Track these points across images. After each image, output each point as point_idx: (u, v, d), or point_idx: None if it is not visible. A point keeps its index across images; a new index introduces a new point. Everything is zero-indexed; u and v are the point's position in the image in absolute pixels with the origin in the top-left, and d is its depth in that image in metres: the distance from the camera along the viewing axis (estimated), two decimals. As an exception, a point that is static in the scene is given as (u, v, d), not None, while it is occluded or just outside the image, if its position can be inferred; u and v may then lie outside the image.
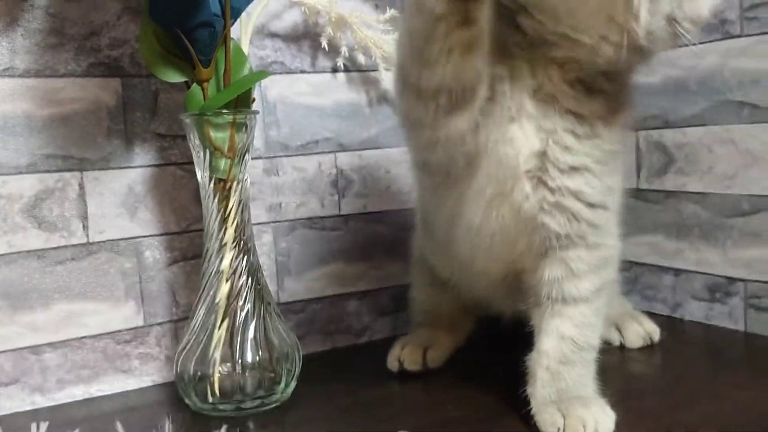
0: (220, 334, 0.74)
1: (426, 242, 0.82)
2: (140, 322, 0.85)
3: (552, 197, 0.63)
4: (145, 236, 0.85)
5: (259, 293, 0.76)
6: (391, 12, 0.92)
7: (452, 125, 0.59)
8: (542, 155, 0.62)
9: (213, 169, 0.74)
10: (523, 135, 0.62)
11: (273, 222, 0.92)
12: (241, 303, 0.75)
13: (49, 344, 0.80)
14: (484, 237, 0.67)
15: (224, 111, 0.72)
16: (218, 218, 0.75)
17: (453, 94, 0.57)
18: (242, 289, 0.75)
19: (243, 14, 0.76)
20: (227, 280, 0.75)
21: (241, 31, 0.80)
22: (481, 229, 0.66)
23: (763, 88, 0.86)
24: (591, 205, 0.64)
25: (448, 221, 0.69)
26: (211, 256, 0.75)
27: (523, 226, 0.65)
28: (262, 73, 0.74)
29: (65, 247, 0.81)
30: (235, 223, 0.75)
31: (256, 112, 0.76)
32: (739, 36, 0.88)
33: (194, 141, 0.74)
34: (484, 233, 0.67)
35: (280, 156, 0.92)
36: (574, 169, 0.63)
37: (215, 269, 0.75)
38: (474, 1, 0.53)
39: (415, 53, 0.57)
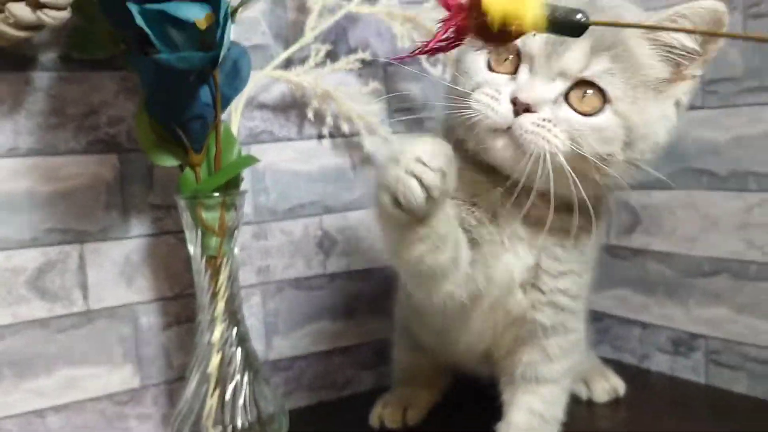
0: (212, 402, 0.79)
1: (410, 314, 0.88)
2: (137, 384, 0.90)
3: (544, 298, 0.70)
4: (141, 303, 0.90)
5: (248, 362, 0.81)
6: (373, 84, 0.97)
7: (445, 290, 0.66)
8: (535, 267, 0.69)
9: (204, 246, 0.80)
10: (516, 257, 0.68)
11: (261, 284, 0.97)
12: (231, 372, 0.80)
13: (53, 408, 0.85)
14: (473, 332, 0.73)
15: (215, 194, 0.78)
16: (209, 293, 0.80)
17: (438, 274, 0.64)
18: (232, 359, 0.80)
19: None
20: (218, 351, 0.80)
21: (232, 108, 0.86)
22: (471, 327, 0.73)
23: (721, 158, 0.92)
24: (574, 297, 0.71)
25: (439, 318, 0.75)
26: (203, 328, 0.80)
27: (512, 323, 0.72)
28: (250, 159, 0.80)
29: (66, 315, 0.86)
30: (226, 297, 0.80)
31: (244, 192, 0.81)
32: (700, 107, 0.94)
33: (187, 220, 0.79)
34: (474, 330, 0.73)
35: (269, 221, 0.97)
36: (562, 273, 0.69)
37: (207, 340, 0.80)
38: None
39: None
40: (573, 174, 0.60)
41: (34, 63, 0.83)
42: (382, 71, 1.02)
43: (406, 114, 1.04)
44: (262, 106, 0.96)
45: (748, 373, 0.92)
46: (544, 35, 0.58)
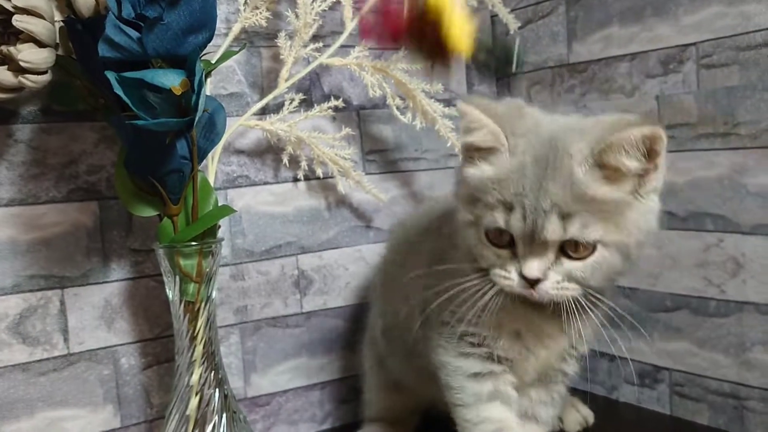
0: (191, 444, 0.81)
1: (393, 357, 0.92)
2: (117, 424, 0.92)
3: (575, 353, 0.84)
4: (121, 344, 0.92)
5: (226, 403, 0.84)
6: (346, 130, 1.00)
7: None
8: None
9: (183, 292, 0.82)
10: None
11: (240, 323, 1.00)
12: (209, 414, 0.83)
13: (34, 450, 0.88)
14: None
15: (192, 243, 0.81)
16: (188, 337, 0.83)
17: None
18: (210, 400, 0.83)
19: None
20: (197, 393, 0.83)
21: (208, 156, 0.88)
22: None
23: (679, 199, 0.96)
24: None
25: None
26: (182, 371, 0.83)
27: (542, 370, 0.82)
28: (227, 209, 0.82)
29: (48, 359, 0.88)
30: (204, 340, 0.83)
31: (221, 240, 0.84)
32: (659, 151, 0.97)
33: (165, 267, 0.82)
34: None
35: (246, 262, 1.00)
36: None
37: (186, 383, 0.83)
38: None
39: None
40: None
41: (16, 116, 0.86)
42: (355, 116, 1.06)
43: (380, 156, 1.08)
44: (239, 152, 0.99)
45: (710, 404, 0.96)
46: (520, 213, 0.66)
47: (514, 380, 0.80)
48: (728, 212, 0.91)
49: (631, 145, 0.64)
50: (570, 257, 0.67)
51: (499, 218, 0.67)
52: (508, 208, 0.66)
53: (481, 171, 0.69)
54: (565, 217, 0.65)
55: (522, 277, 0.68)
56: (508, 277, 0.68)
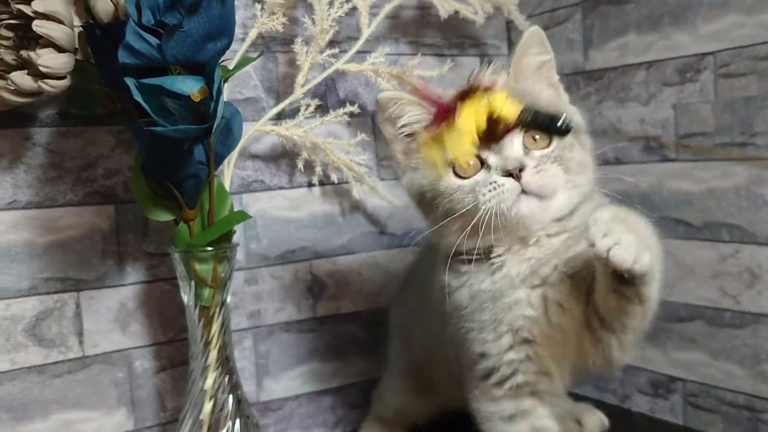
0: (204, 449, 0.82)
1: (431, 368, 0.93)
2: (131, 427, 0.93)
3: None
4: (135, 347, 0.93)
5: (239, 408, 0.84)
6: (361, 136, 1.00)
7: None
8: None
9: (197, 297, 0.82)
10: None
11: (253, 328, 1.00)
12: (223, 418, 0.83)
13: (48, 452, 0.88)
14: None
15: (208, 248, 0.81)
16: (202, 341, 0.83)
17: None
18: (224, 405, 0.83)
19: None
20: (211, 398, 0.83)
21: (224, 161, 0.89)
22: None
23: (695, 209, 0.95)
24: None
25: None
26: (196, 375, 0.83)
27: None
28: (243, 215, 0.83)
29: (63, 362, 0.89)
30: (218, 345, 0.83)
31: (236, 245, 0.84)
32: (675, 160, 0.97)
33: (181, 272, 0.82)
34: None
35: (260, 267, 1.00)
36: None
37: (200, 387, 0.83)
38: None
39: None
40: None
41: (34, 119, 0.86)
42: (370, 122, 1.06)
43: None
44: (254, 157, 0.99)
45: (723, 416, 0.95)
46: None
47: (548, 412, 0.79)
48: (744, 222, 0.90)
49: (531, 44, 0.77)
50: (536, 149, 0.72)
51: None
52: None
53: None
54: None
55: (509, 174, 0.69)
56: (496, 186, 0.70)
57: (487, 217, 0.70)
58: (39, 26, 0.69)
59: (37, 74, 0.70)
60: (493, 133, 0.68)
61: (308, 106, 0.96)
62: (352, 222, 1.06)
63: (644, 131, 1.01)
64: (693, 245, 0.96)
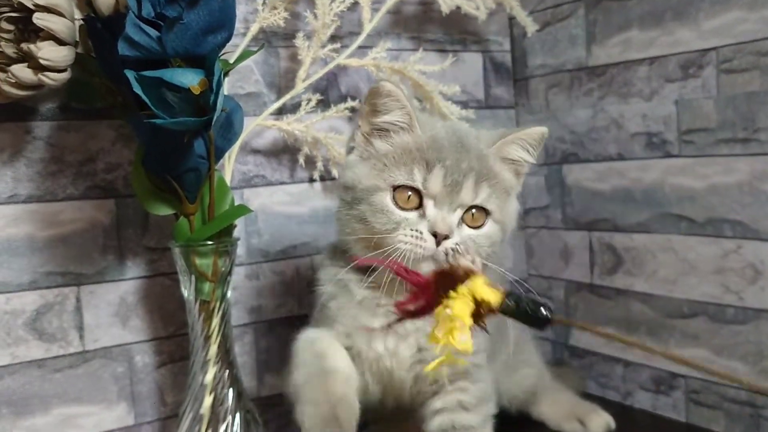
0: (204, 443, 0.82)
1: None
2: (131, 422, 0.92)
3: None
4: (135, 342, 0.93)
5: (240, 402, 0.84)
6: (362, 131, 1.00)
7: None
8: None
9: (198, 291, 0.82)
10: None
11: (254, 323, 1.00)
12: (223, 413, 0.83)
13: (48, 446, 0.88)
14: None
15: (208, 242, 0.81)
16: (203, 335, 0.83)
17: None
18: (224, 399, 0.83)
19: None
20: (211, 392, 0.83)
21: (225, 155, 0.89)
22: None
23: (698, 205, 0.95)
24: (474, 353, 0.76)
25: None
26: (196, 369, 0.83)
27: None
28: (243, 209, 0.83)
29: (63, 356, 0.89)
30: (218, 339, 0.83)
31: (237, 239, 0.84)
32: (677, 156, 0.97)
33: (181, 266, 0.82)
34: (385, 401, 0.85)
35: (261, 262, 1.00)
36: None
37: (200, 382, 0.83)
38: None
39: None
40: None
41: (34, 113, 0.86)
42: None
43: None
44: (255, 152, 0.99)
45: (726, 412, 0.95)
46: (444, 175, 0.73)
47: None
48: (747, 218, 0.90)
49: (529, 142, 0.78)
50: (467, 225, 0.75)
51: (417, 177, 0.73)
52: (428, 168, 0.73)
53: (396, 141, 0.76)
54: (477, 182, 0.74)
55: (433, 235, 0.72)
56: (419, 237, 0.72)
57: (393, 252, 0.72)
58: (39, 19, 0.69)
59: (38, 67, 0.70)
60: (478, 314, 0.68)
61: (309, 100, 0.96)
62: (354, 218, 1.06)
63: (646, 127, 1.01)
64: (695, 241, 0.96)
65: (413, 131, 0.76)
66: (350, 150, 0.80)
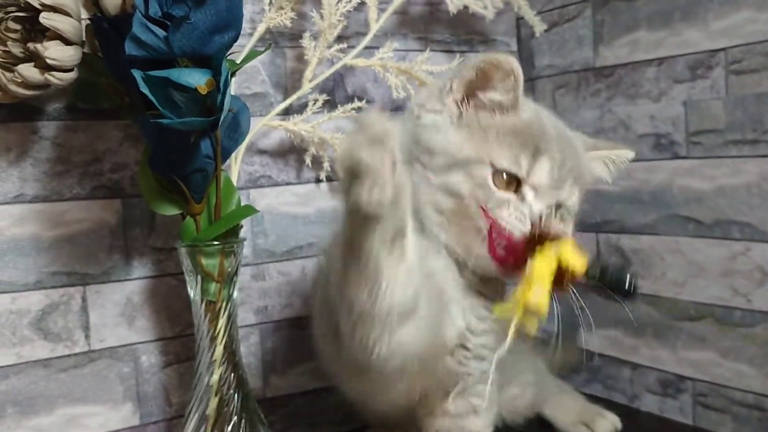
0: (210, 445, 0.81)
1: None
2: (136, 422, 0.92)
3: (470, 354, 0.78)
4: (141, 342, 0.93)
5: (246, 404, 0.84)
6: (369, 131, 1.00)
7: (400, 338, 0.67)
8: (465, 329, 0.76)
9: (204, 291, 0.82)
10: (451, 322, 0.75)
11: (260, 324, 1.00)
12: (229, 414, 0.83)
13: (54, 446, 0.88)
14: (398, 394, 0.80)
15: (214, 242, 0.80)
16: (209, 336, 0.83)
17: None
18: (230, 401, 0.83)
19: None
20: (217, 394, 0.83)
21: (231, 156, 0.88)
22: (396, 390, 0.79)
23: (705, 206, 0.94)
24: (492, 350, 0.77)
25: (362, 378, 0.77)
26: (202, 370, 0.83)
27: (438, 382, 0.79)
28: (250, 209, 0.82)
29: (69, 356, 0.88)
30: (224, 340, 0.83)
31: (243, 240, 0.84)
32: (685, 158, 0.96)
33: (187, 266, 0.82)
34: (399, 392, 0.79)
35: (267, 262, 1.00)
36: (485, 331, 0.77)
37: (206, 383, 0.83)
38: None
39: None
40: None
41: (41, 113, 0.86)
42: (378, 117, 1.05)
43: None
44: (262, 152, 0.99)
45: (733, 416, 0.94)
46: (550, 169, 0.71)
47: None
48: (755, 220, 0.90)
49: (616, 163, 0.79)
50: None
51: (523, 164, 0.70)
52: (534, 157, 0.70)
53: (499, 118, 0.71)
54: (573, 183, 0.73)
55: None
56: (522, 220, 0.69)
57: (489, 229, 0.69)
58: (46, 18, 0.69)
59: (44, 67, 0.70)
60: (561, 280, 0.67)
61: (316, 101, 0.96)
62: (360, 218, 1.06)
63: (654, 128, 1.00)
64: (703, 243, 0.95)
65: (517, 112, 0.72)
66: (428, 110, 0.74)
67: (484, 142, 0.70)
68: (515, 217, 0.69)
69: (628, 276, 0.61)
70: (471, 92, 0.72)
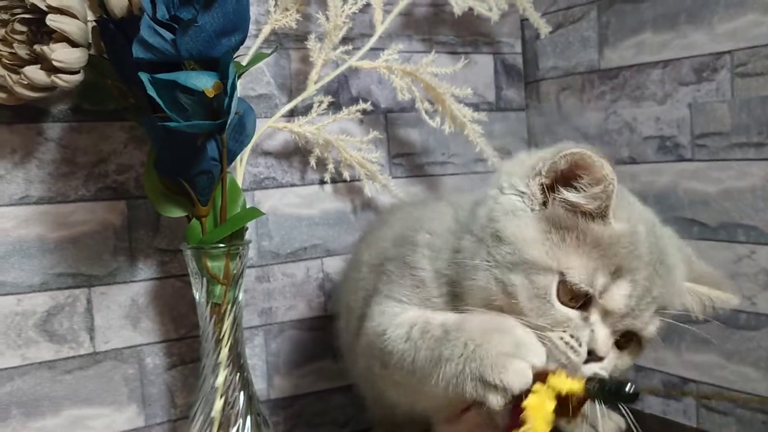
0: (215, 447, 0.81)
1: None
2: (141, 423, 0.92)
3: None
4: (146, 344, 0.93)
5: (250, 405, 0.84)
6: (374, 134, 1.00)
7: None
8: None
9: (209, 293, 0.82)
10: None
11: (264, 325, 1.00)
12: (234, 416, 0.83)
13: (58, 448, 0.88)
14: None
15: (220, 245, 0.80)
16: (214, 338, 0.83)
17: None
18: (235, 403, 0.83)
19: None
20: (222, 396, 0.83)
21: (237, 158, 0.88)
22: None
23: (711, 209, 0.94)
24: None
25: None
26: (207, 372, 0.83)
27: None
28: (255, 212, 0.82)
29: (74, 357, 0.88)
30: (229, 342, 0.83)
31: (248, 242, 0.83)
32: (690, 160, 0.96)
33: (192, 268, 0.82)
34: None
35: (272, 264, 1.00)
36: None
37: (211, 385, 0.83)
38: None
39: None
40: None
41: (46, 114, 0.86)
42: (383, 119, 1.06)
43: (407, 160, 1.08)
44: (266, 154, 0.99)
45: (737, 418, 0.94)
46: (628, 294, 0.62)
47: None
48: (761, 223, 0.90)
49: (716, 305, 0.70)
50: (618, 346, 0.66)
51: (598, 283, 0.61)
52: (613, 277, 0.62)
53: (583, 222, 0.62)
54: (655, 313, 0.65)
55: (588, 352, 0.62)
56: (576, 349, 0.62)
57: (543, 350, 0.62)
58: (52, 20, 0.69)
59: (51, 69, 0.70)
60: (567, 409, 0.62)
61: (321, 103, 0.96)
62: (364, 220, 1.06)
63: (659, 131, 1.00)
64: (708, 246, 0.95)
65: (606, 221, 0.62)
66: (511, 186, 0.66)
67: (560, 244, 0.62)
68: (567, 343, 0.62)
69: (627, 383, 0.59)
70: (560, 181, 0.64)
